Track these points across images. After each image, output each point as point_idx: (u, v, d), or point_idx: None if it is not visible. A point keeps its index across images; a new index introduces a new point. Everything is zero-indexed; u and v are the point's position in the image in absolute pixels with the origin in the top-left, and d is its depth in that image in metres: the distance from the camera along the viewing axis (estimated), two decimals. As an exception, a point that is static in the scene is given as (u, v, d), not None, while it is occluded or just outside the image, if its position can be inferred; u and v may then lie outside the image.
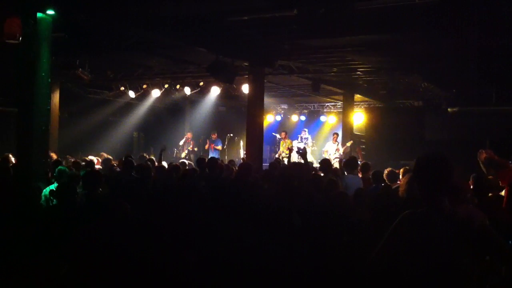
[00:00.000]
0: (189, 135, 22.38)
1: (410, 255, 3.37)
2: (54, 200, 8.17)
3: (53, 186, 8.46)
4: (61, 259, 4.05)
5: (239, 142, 22.54)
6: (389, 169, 10.13)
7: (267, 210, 4.92)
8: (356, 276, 4.02)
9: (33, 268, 3.67)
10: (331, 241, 4.82)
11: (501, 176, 7.77)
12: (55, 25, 9.64)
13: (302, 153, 8.42)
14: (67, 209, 6.03)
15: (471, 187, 7.68)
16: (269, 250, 4.29)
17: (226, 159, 20.08)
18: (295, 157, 20.88)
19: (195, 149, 21.86)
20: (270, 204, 5.31)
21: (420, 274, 3.31)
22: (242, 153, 21.96)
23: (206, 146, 21.88)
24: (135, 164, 10.43)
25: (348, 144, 19.16)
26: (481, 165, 8.50)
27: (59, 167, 9.70)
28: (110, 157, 14.22)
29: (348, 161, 10.84)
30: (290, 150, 14.11)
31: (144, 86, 20.36)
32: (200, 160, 11.14)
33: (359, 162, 13.25)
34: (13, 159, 11.93)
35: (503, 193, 7.66)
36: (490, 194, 7.62)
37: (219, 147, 21.63)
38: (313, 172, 10.30)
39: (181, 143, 22.20)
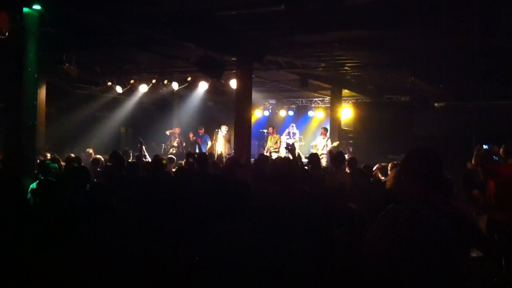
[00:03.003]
0: (177, 129, 22.29)
1: (404, 250, 3.37)
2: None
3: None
4: (51, 257, 4.04)
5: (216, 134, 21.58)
6: (383, 164, 10.23)
7: (268, 210, 4.92)
8: (349, 272, 4.03)
9: (25, 266, 3.64)
10: (326, 236, 4.84)
11: (493, 171, 7.80)
12: (42, 20, 9.59)
13: (291, 149, 8.40)
14: (51, 206, 5.99)
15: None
16: (267, 248, 4.30)
17: (215, 154, 20.02)
18: (283, 152, 20.92)
19: (183, 144, 21.74)
20: (271, 203, 5.30)
21: (415, 269, 3.32)
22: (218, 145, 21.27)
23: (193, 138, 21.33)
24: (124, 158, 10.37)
25: (335, 144, 19.10)
26: (474, 159, 8.53)
27: (46, 161, 9.65)
28: (99, 156, 14.10)
29: (335, 156, 10.88)
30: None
31: (132, 81, 20.27)
32: (189, 155, 11.10)
33: (346, 157, 13.30)
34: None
35: None
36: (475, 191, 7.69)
37: (209, 142, 21.33)
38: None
39: (167, 133, 22.02)
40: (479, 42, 12.05)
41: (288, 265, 4.12)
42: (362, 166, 9.78)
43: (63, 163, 10.54)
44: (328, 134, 19.86)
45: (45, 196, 6.22)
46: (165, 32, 12.09)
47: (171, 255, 4.20)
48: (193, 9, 10.81)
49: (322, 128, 20.26)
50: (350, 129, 21.74)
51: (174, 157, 13.99)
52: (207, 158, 10.42)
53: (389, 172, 9.75)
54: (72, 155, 13.60)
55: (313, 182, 7.53)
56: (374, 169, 10.71)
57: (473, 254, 4.60)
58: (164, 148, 22.10)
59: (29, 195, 8.11)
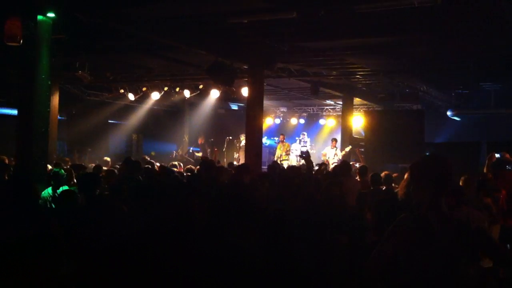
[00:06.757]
0: (200, 140, 22.47)
1: (408, 257, 3.38)
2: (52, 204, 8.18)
3: (50, 189, 8.44)
4: (61, 260, 4.07)
5: (237, 143, 22.34)
6: (386, 172, 10.20)
7: (266, 211, 4.94)
8: (355, 277, 4.04)
9: (33, 268, 3.67)
10: (331, 241, 4.84)
11: (506, 179, 7.76)
12: (55, 26, 9.67)
13: (306, 156, 8.46)
14: (67, 211, 6.06)
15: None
16: (268, 251, 4.31)
17: (225, 161, 20.11)
18: (293, 160, 20.95)
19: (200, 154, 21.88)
20: (269, 205, 5.32)
21: (418, 276, 3.32)
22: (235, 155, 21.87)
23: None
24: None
25: (347, 149, 19.15)
26: (486, 167, 8.52)
27: (54, 169, 9.69)
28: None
29: (339, 166, 10.87)
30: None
31: (144, 88, 20.35)
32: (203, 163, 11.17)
33: (357, 165, 13.30)
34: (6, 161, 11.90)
35: None
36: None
37: (199, 153, 21.57)
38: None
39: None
40: (488, 46, 12.03)
41: (291, 266, 4.13)
42: (370, 175, 9.78)
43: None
44: (337, 144, 19.87)
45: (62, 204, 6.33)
46: (177, 38, 12.15)
47: (175, 257, 4.22)
48: (205, 16, 10.86)
49: (333, 139, 20.28)
50: (361, 137, 21.70)
51: (180, 164, 14.07)
52: (214, 165, 10.47)
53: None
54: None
55: (319, 189, 7.56)
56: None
57: (486, 265, 4.58)
58: (176, 155, 22.21)
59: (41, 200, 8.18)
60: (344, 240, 4.86)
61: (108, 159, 15.44)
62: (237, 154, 21.23)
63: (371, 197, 7.79)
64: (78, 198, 6.66)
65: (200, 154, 20.96)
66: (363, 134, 21.49)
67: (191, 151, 22.39)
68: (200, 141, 22.56)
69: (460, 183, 7.65)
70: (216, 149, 20.13)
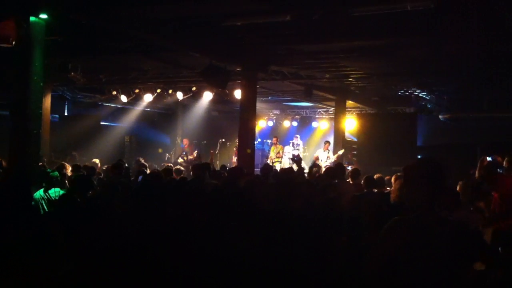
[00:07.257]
0: (186, 141, 22.36)
1: (403, 259, 3.37)
2: (44, 204, 8.15)
3: (41, 190, 8.41)
4: (58, 260, 4.06)
5: (232, 147, 22.46)
6: (378, 175, 10.22)
7: (266, 211, 4.95)
8: (354, 278, 4.03)
9: (32, 269, 3.67)
10: (330, 242, 4.85)
11: (498, 183, 7.78)
12: (48, 28, 9.64)
13: (297, 160, 8.47)
14: (65, 213, 6.05)
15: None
16: (267, 251, 4.31)
17: (218, 164, 20.08)
18: (286, 163, 20.94)
19: (194, 154, 21.80)
20: (268, 205, 5.32)
21: (413, 278, 3.32)
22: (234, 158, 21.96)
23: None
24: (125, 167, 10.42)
25: (340, 152, 19.15)
26: (477, 171, 8.53)
27: (47, 170, 9.65)
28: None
29: (333, 169, 10.86)
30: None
31: (137, 90, 20.30)
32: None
33: (348, 168, 13.32)
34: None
35: None
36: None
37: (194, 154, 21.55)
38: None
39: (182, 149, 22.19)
40: (482, 48, 12.06)
41: (290, 267, 4.13)
42: (364, 177, 9.78)
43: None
44: (330, 147, 19.86)
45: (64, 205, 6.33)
46: (171, 40, 12.14)
47: (175, 257, 4.21)
48: (198, 18, 10.85)
49: (326, 142, 20.26)
50: (354, 140, 21.73)
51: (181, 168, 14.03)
52: (209, 167, 10.47)
53: (392, 183, 9.72)
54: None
55: (315, 191, 7.56)
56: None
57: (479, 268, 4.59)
58: (168, 158, 22.16)
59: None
60: (343, 241, 4.87)
61: (97, 161, 15.39)
62: (235, 158, 21.17)
63: (365, 199, 7.81)
64: (75, 200, 6.65)
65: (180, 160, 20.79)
66: (354, 139, 21.54)
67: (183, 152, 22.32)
68: (185, 142, 22.45)
69: (458, 188, 7.68)
70: (212, 152, 20.05)
